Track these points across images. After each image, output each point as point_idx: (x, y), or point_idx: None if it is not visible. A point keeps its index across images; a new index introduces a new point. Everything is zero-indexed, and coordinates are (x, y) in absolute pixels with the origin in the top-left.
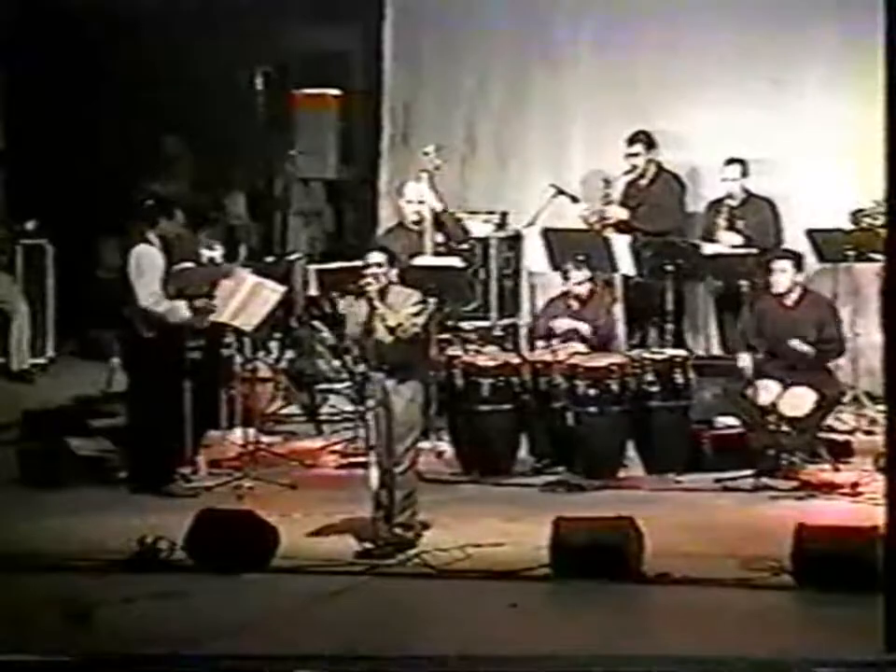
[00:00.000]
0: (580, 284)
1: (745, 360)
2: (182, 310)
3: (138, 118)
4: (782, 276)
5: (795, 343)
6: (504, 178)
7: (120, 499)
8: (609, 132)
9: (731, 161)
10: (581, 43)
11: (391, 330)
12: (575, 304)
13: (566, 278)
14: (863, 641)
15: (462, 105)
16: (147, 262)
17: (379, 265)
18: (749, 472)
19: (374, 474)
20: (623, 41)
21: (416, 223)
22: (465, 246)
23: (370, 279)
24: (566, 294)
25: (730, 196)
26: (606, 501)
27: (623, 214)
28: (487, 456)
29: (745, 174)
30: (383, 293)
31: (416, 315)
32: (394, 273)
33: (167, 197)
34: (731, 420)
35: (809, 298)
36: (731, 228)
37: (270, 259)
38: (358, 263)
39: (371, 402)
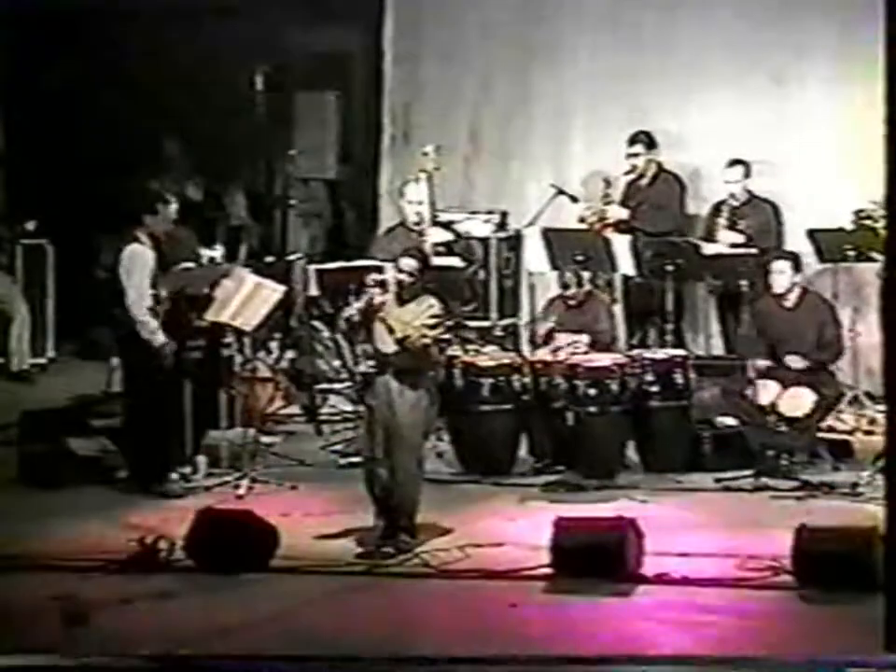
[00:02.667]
0: (576, 290)
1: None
2: (158, 335)
3: (138, 118)
4: (781, 277)
5: (790, 360)
6: (506, 178)
7: (120, 499)
8: (610, 132)
9: (733, 163)
10: (583, 42)
11: (398, 342)
12: (576, 307)
13: (565, 286)
14: (863, 641)
15: (463, 104)
16: (136, 264)
17: (411, 274)
18: (749, 472)
19: (376, 476)
20: (625, 41)
21: (416, 223)
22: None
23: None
24: (566, 296)
25: (732, 197)
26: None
27: (622, 214)
28: (487, 456)
29: (747, 175)
30: (404, 301)
31: (431, 327)
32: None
33: (150, 192)
34: (731, 420)
35: (809, 299)
36: (732, 228)
37: (270, 259)
38: (359, 263)
39: (374, 403)
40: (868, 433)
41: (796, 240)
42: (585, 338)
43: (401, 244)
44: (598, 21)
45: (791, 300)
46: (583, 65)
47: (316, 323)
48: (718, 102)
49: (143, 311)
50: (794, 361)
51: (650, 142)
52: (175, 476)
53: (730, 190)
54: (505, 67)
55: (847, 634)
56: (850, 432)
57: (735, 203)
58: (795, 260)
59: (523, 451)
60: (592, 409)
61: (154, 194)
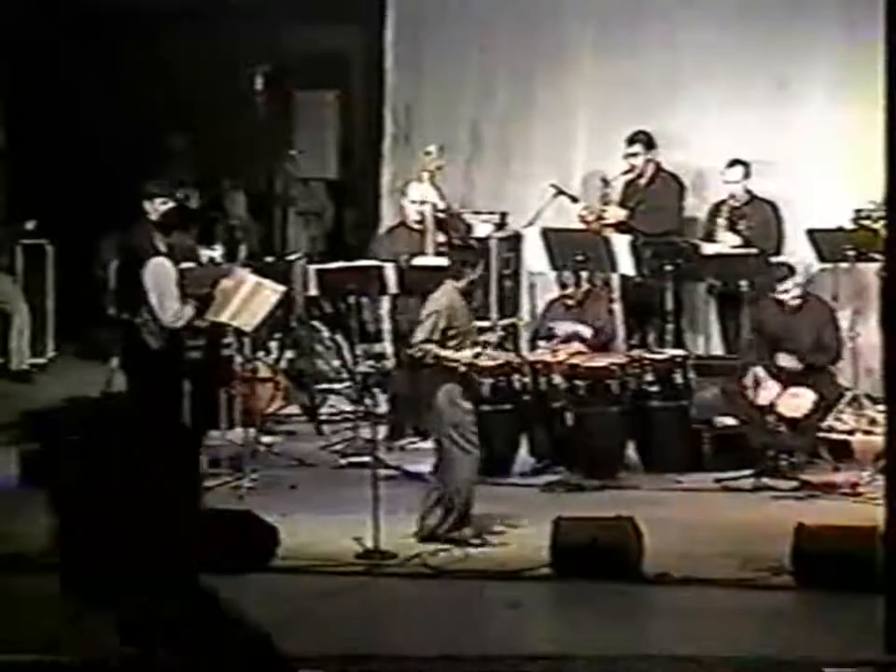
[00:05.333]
0: (577, 287)
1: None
2: (188, 311)
3: (138, 118)
4: (793, 291)
5: (783, 359)
6: (508, 178)
7: None
8: (613, 132)
9: (733, 163)
10: (586, 42)
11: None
12: (575, 307)
13: (563, 285)
14: (863, 642)
15: (465, 104)
16: (164, 279)
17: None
18: (749, 472)
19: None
20: (628, 42)
21: (418, 223)
22: (461, 244)
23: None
24: (565, 296)
25: (732, 198)
26: (606, 501)
27: (620, 214)
28: (487, 456)
29: (747, 175)
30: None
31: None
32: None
33: (186, 210)
34: (731, 420)
35: (809, 303)
36: (732, 228)
37: (270, 258)
38: (359, 263)
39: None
40: (868, 433)
41: (797, 240)
42: (586, 331)
43: (403, 243)
44: (601, 21)
45: (792, 303)
46: (586, 66)
47: (316, 323)
48: (721, 103)
49: (179, 314)
50: (787, 361)
51: (648, 142)
52: None
53: (730, 191)
54: (507, 67)
55: (847, 634)
56: (850, 432)
57: (736, 204)
58: (794, 270)
59: (523, 451)
60: (592, 409)
61: (189, 213)
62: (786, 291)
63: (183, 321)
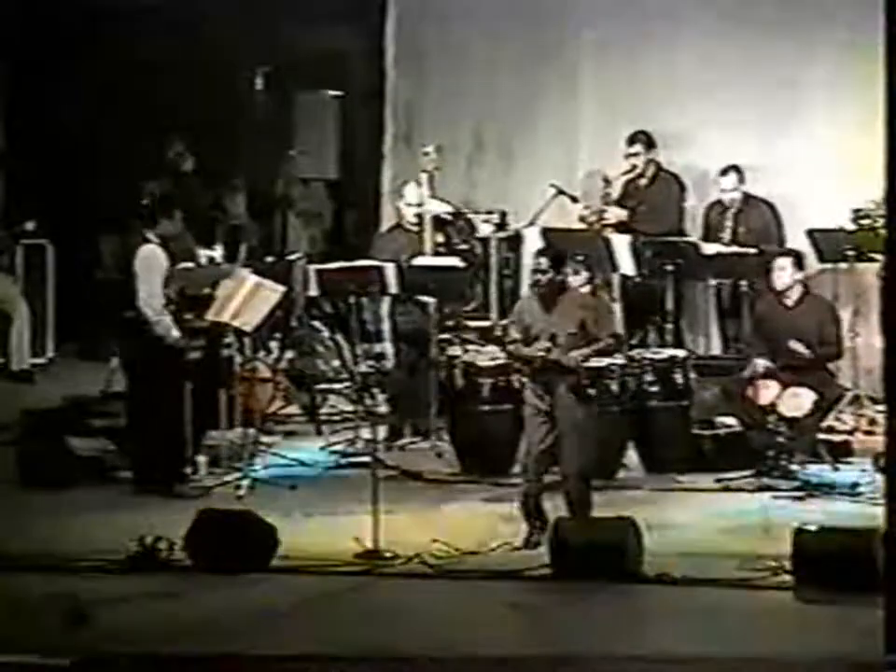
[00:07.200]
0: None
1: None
2: (172, 331)
3: (138, 118)
4: (782, 274)
5: (793, 345)
6: (510, 178)
7: (120, 499)
8: (614, 132)
9: (727, 171)
10: (587, 42)
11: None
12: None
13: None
14: (863, 642)
15: (467, 104)
16: (153, 263)
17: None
18: (749, 472)
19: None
20: (629, 41)
21: (416, 224)
22: (464, 247)
23: None
24: None
25: (730, 205)
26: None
27: (621, 214)
28: (487, 456)
29: (742, 180)
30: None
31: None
32: None
33: (166, 196)
34: (731, 420)
35: (809, 299)
36: (734, 240)
37: (270, 258)
38: (359, 263)
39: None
40: (868, 433)
41: (796, 240)
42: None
43: (400, 244)
44: (603, 21)
45: (791, 298)
46: (587, 66)
47: (316, 323)
48: (721, 103)
49: (157, 308)
50: (798, 346)
51: (648, 142)
52: (183, 476)
53: (726, 199)
54: (509, 66)
55: (847, 634)
56: (850, 432)
57: (734, 210)
58: (797, 258)
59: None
60: (592, 409)
61: (170, 199)
62: (782, 269)
63: (155, 318)
